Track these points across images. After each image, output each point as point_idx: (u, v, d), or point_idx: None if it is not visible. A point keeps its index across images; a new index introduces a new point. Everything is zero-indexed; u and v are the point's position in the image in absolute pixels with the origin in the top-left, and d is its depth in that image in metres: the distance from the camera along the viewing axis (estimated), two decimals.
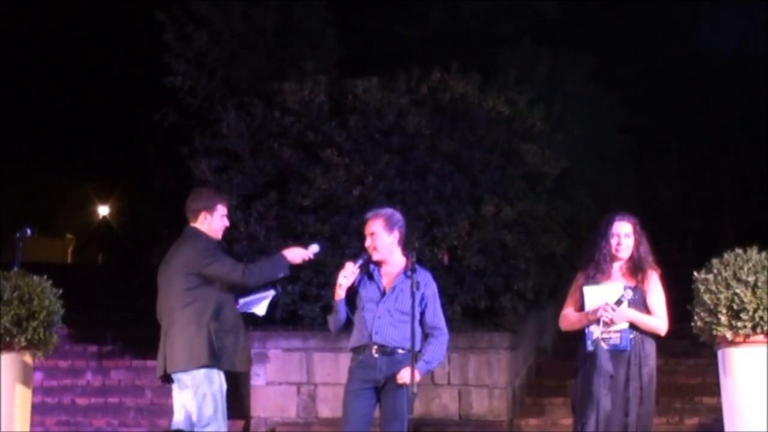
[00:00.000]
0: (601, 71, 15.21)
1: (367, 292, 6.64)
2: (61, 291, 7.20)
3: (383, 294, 6.60)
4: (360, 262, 6.67)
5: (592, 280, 6.66)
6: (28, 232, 7.48)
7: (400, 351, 6.48)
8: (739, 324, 6.38)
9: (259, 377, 10.43)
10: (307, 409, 10.43)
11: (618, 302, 6.50)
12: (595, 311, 6.53)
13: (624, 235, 6.68)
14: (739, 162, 18.49)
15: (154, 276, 7.16)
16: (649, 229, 6.84)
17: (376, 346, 6.52)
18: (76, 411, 10.88)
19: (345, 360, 7.01)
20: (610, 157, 15.11)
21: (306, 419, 10.42)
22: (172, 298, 6.84)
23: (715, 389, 7.70)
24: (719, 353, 6.62)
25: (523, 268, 10.72)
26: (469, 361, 10.39)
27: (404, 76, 11.11)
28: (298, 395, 10.47)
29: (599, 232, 6.74)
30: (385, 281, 6.64)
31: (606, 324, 6.49)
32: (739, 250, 6.58)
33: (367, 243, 6.66)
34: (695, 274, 6.63)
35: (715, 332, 6.48)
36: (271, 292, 7.25)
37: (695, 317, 6.59)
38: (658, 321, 6.58)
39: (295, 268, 7.30)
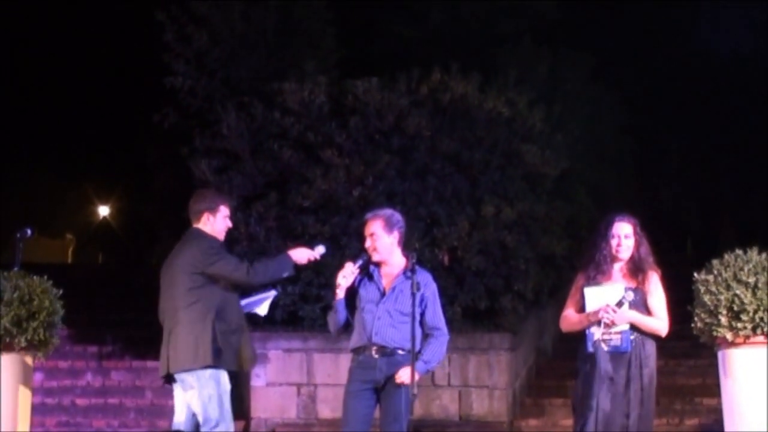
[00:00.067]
0: (601, 71, 15.23)
1: (366, 293, 6.63)
2: (61, 291, 7.19)
3: (383, 295, 6.59)
4: (360, 262, 6.67)
5: (592, 281, 6.65)
6: (28, 232, 7.48)
7: (400, 352, 6.47)
8: (740, 325, 6.38)
9: (259, 378, 10.43)
10: (307, 410, 10.43)
11: (619, 304, 6.49)
12: (595, 313, 6.52)
13: (624, 235, 6.67)
14: (739, 162, 18.49)
15: (154, 276, 7.16)
16: (649, 229, 6.84)
17: (375, 347, 6.51)
18: (76, 412, 10.88)
19: (345, 361, 7.01)
20: (610, 157, 15.12)
21: (306, 420, 10.42)
22: (176, 297, 6.83)
23: (715, 390, 7.71)
24: (719, 354, 6.62)
25: (523, 268, 10.72)
26: (469, 362, 10.39)
27: (404, 76, 11.12)
28: (298, 396, 10.47)
29: (599, 233, 6.73)
30: (385, 282, 6.64)
31: (607, 325, 6.49)
32: (739, 251, 6.57)
33: (367, 244, 6.65)
34: (695, 275, 6.63)
35: (715, 333, 6.48)
36: (273, 293, 7.27)
37: (695, 318, 6.59)
38: (659, 322, 6.58)
39: (296, 269, 7.30)
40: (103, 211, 31.48)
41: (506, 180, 11.07)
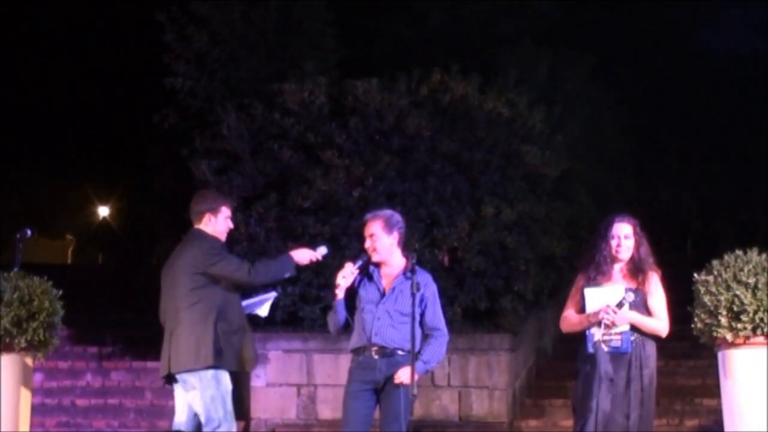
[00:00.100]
0: (601, 71, 15.23)
1: (366, 293, 6.63)
2: (61, 292, 7.20)
3: (383, 295, 6.59)
4: (360, 263, 6.67)
5: (592, 281, 6.65)
6: (28, 232, 7.48)
7: (400, 352, 6.47)
8: (740, 326, 6.38)
9: (259, 378, 10.43)
10: (307, 411, 10.43)
11: (619, 304, 6.49)
12: (596, 313, 6.52)
13: (624, 236, 6.67)
14: (739, 162, 18.49)
15: (154, 277, 7.16)
16: (649, 229, 6.84)
17: (375, 348, 6.51)
18: (76, 412, 10.88)
19: (345, 361, 7.01)
20: (610, 158, 15.12)
21: (306, 420, 10.42)
22: (178, 298, 6.83)
23: (715, 391, 7.70)
24: (719, 355, 6.62)
25: (523, 269, 10.72)
26: (469, 363, 10.39)
27: (404, 77, 11.11)
28: (298, 396, 10.47)
29: (599, 234, 6.73)
30: (385, 282, 6.64)
31: (607, 326, 6.49)
32: (739, 252, 6.57)
33: (367, 244, 6.65)
34: (695, 275, 6.62)
35: (715, 334, 6.48)
36: (273, 294, 7.28)
37: (695, 319, 6.58)
38: (659, 323, 6.58)
39: (298, 270, 7.30)
40: (103, 211, 31.46)
41: (506, 180, 11.07)
